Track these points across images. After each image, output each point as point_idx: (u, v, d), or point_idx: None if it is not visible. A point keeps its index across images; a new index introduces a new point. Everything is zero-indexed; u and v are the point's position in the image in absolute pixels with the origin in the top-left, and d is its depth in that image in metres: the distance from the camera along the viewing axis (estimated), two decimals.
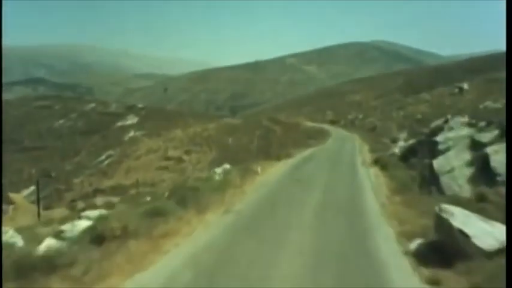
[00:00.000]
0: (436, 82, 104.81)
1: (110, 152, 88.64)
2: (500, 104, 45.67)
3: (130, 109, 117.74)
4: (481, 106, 46.74)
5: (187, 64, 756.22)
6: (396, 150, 30.64)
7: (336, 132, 71.57)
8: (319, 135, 64.59)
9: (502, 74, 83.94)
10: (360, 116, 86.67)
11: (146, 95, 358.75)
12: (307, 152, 42.59)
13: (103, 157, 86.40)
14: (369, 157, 33.65)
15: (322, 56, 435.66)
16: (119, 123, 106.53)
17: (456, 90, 71.43)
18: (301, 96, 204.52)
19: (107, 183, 73.12)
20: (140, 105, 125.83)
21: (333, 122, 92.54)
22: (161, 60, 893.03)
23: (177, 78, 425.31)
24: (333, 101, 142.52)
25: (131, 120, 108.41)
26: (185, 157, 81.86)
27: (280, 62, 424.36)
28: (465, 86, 71.21)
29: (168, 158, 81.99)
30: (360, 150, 42.48)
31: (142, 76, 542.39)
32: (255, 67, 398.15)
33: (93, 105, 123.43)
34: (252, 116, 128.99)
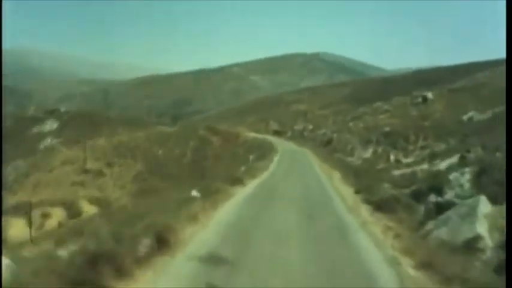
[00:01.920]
0: (387, 92, 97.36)
1: (19, 162, 76.29)
2: (487, 114, 37.44)
3: (51, 113, 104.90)
4: (464, 117, 37.59)
5: (130, 69, 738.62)
6: (483, 231, 9.88)
7: (284, 147, 57.00)
8: (262, 152, 49.93)
9: (463, 84, 77.30)
10: (310, 127, 76.69)
11: (86, 100, 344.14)
12: (230, 207, 16.90)
13: (9, 168, 73.85)
14: (391, 242, 12.13)
15: (267, 66, 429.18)
16: (35, 129, 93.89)
17: (419, 99, 62.97)
18: (244, 106, 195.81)
19: (10, 200, 61.48)
20: (63, 109, 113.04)
21: (278, 133, 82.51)
22: (104, 65, 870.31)
23: (119, 83, 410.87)
24: (277, 111, 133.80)
25: (50, 125, 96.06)
26: (106, 170, 70.79)
27: (224, 71, 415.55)
28: (429, 95, 62.79)
29: (86, 171, 70.76)
30: (339, 194, 21.50)
31: (84, 81, 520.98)
32: (200, 75, 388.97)
33: (9, 108, 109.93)
34: (190, 125, 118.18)
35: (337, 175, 29.62)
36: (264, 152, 47.90)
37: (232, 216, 14.69)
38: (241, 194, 20.26)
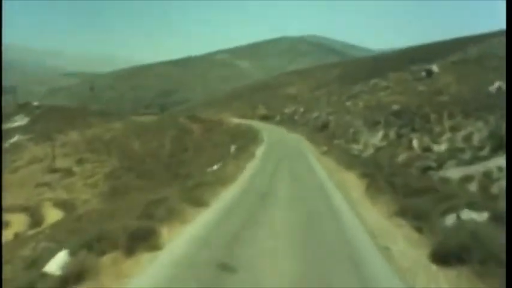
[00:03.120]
0: (380, 70, 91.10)
1: None
2: None
3: (22, 108, 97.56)
4: (490, 89, 30.64)
5: (115, 62, 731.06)
6: None
7: (271, 134, 48.61)
8: (245, 141, 40.64)
9: (463, 57, 71.06)
10: (301, 110, 69.24)
11: (71, 94, 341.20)
12: None
13: None
14: None
15: (254, 51, 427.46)
16: (3, 126, 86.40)
17: (423, 73, 56.29)
18: (231, 92, 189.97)
19: None
20: (36, 103, 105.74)
21: (265, 118, 75.33)
22: (88, 59, 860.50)
23: (104, 76, 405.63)
24: (265, 95, 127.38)
25: (19, 121, 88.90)
26: (76, 168, 63.64)
27: (210, 57, 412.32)
28: (434, 68, 56.12)
29: (54, 170, 63.66)
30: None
31: (69, 75, 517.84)
32: (185, 63, 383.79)
33: None
34: (171, 114, 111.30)
35: (352, 182, 18.81)
36: (247, 142, 38.71)
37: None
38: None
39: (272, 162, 27.49)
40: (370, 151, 28.00)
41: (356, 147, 30.17)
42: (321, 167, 24.96)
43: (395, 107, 36.76)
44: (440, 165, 19.15)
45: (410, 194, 13.73)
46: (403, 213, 11.86)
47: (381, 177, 17.19)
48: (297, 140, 42.00)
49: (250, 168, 25.13)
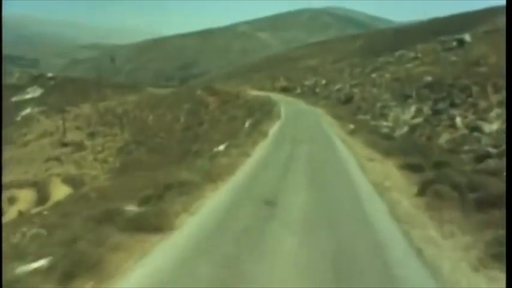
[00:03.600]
0: (404, 42, 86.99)
1: None
2: None
3: (36, 80, 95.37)
4: None
5: (135, 33, 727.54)
6: None
7: (290, 107, 44.16)
8: (262, 115, 37.10)
9: (494, 27, 67.03)
10: (323, 82, 65.70)
11: (92, 66, 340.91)
12: None
13: None
14: None
15: (275, 23, 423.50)
16: (15, 98, 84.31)
17: (453, 43, 52.65)
18: (252, 64, 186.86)
19: None
20: (50, 75, 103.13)
21: (285, 90, 72.00)
22: (108, 30, 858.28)
23: (124, 47, 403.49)
24: (286, 67, 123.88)
25: (32, 93, 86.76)
26: (88, 142, 61.48)
27: (231, 29, 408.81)
28: (466, 37, 52.40)
29: (65, 144, 61.61)
30: None
31: (89, 46, 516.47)
32: (206, 35, 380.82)
33: None
34: (188, 86, 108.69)
35: (394, 177, 13.64)
36: (263, 116, 34.79)
37: None
38: None
39: (287, 146, 21.92)
40: (403, 129, 23.79)
41: (385, 124, 26.03)
42: (350, 154, 19.32)
43: (427, 79, 32.93)
44: (503, 152, 14.11)
45: (488, 204, 8.48)
46: (501, 255, 6.59)
47: (432, 170, 12.17)
48: (318, 115, 37.66)
49: (258, 154, 19.96)
